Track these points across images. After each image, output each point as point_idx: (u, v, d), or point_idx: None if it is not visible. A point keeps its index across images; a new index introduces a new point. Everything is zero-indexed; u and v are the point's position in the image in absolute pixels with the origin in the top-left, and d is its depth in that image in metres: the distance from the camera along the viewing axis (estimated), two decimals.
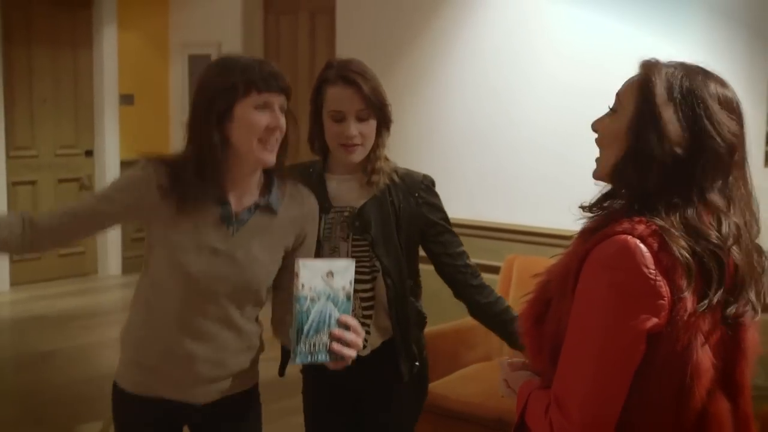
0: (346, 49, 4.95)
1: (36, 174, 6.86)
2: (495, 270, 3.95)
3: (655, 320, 1.34)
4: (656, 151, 1.38)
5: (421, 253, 2.40)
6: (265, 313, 2.16)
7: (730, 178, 1.41)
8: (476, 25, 4.59)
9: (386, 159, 2.33)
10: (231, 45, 6.72)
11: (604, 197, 1.50)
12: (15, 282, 6.72)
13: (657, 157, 1.38)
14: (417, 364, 2.36)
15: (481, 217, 4.49)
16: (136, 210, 2.01)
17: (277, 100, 1.98)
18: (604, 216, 1.46)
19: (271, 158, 1.98)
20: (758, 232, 1.46)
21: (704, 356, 1.38)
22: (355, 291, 2.23)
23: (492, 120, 4.55)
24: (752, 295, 1.43)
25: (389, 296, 2.29)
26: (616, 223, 1.39)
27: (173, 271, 1.99)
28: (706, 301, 1.36)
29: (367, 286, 2.30)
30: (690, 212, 1.38)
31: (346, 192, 2.31)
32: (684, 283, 1.34)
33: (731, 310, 1.39)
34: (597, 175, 1.50)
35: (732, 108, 1.43)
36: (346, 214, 2.29)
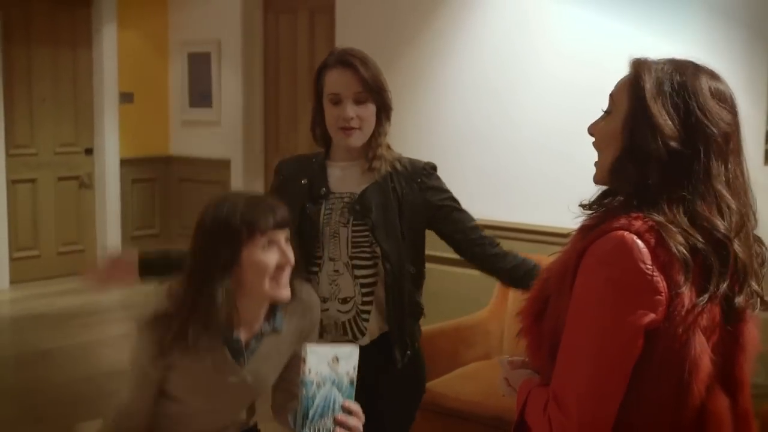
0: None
1: (36, 172, 6.87)
2: None
3: (652, 316, 1.34)
4: (652, 147, 1.39)
5: (434, 252, 2.38)
6: None
7: (729, 166, 1.41)
8: (475, 24, 4.59)
9: (389, 147, 2.34)
10: (230, 43, 6.72)
11: (604, 195, 1.50)
12: (15, 280, 6.72)
13: (653, 153, 1.39)
14: (408, 353, 2.35)
15: (481, 215, 4.49)
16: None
17: (282, 235, 1.95)
18: (603, 213, 1.47)
19: (286, 293, 1.97)
20: (756, 223, 1.47)
21: (703, 352, 1.37)
22: (355, 277, 2.25)
23: (492, 119, 4.56)
24: (755, 286, 1.43)
25: (387, 281, 2.28)
26: (614, 220, 1.39)
27: (192, 405, 2.05)
28: (706, 295, 1.36)
29: (368, 272, 2.30)
30: (692, 204, 1.38)
31: (348, 178, 2.33)
32: (681, 278, 1.34)
33: (738, 301, 1.39)
34: (597, 179, 1.51)
35: (724, 98, 1.43)
36: (346, 200, 2.30)
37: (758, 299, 1.45)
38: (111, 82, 7.07)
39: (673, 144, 1.38)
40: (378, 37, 4.95)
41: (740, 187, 1.43)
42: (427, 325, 2.47)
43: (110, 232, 7.04)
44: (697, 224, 1.37)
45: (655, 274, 1.34)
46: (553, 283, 1.46)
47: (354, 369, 1.80)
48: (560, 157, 4.25)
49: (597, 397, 1.37)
